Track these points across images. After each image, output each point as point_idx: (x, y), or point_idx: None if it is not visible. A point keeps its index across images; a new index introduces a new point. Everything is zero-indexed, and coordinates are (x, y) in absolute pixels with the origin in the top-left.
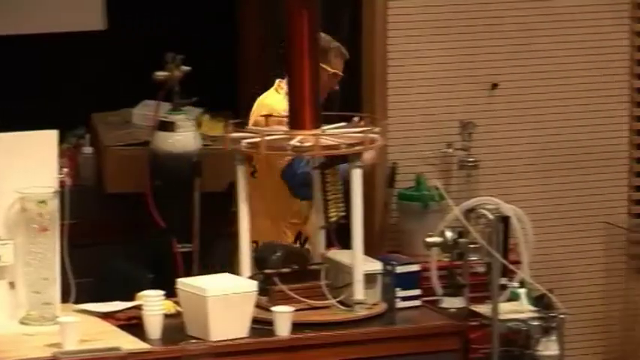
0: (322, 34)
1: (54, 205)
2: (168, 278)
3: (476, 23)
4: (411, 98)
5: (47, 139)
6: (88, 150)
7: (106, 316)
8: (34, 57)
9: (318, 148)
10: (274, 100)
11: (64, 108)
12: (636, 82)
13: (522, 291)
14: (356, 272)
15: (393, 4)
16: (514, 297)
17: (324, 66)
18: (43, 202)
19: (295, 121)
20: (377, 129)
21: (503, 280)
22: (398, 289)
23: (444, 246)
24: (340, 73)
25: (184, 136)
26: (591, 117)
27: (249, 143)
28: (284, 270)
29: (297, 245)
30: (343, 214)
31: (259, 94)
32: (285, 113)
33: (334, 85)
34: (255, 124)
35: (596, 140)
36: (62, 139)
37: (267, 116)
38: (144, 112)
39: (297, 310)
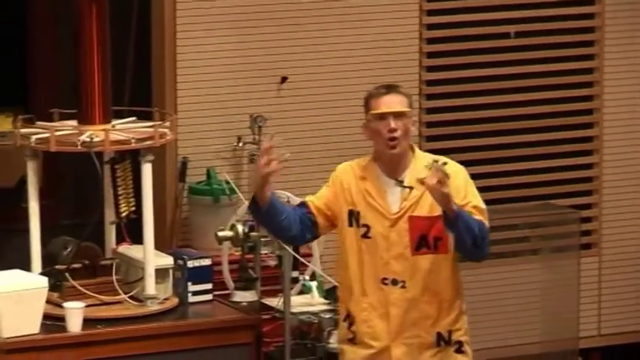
0: None
1: None
2: None
3: (265, 17)
4: (202, 92)
5: None
6: None
7: None
8: None
9: (108, 143)
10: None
11: None
12: (425, 75)
13: (314, 284)
14: (147, 267)
15: None
16: (306, 290)
17: None
18: None
19: (85, 116)
20: (167, 123)
21: (295, 273)
22: (189, 283)
23: (236, 240)
24: None
25: None
26: None
27: (38, 139)
28: (75, 265)
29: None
30: (134, 208)
31: None
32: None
33: None
34: None
35: None
36: None
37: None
38: None
39: (88, 306)
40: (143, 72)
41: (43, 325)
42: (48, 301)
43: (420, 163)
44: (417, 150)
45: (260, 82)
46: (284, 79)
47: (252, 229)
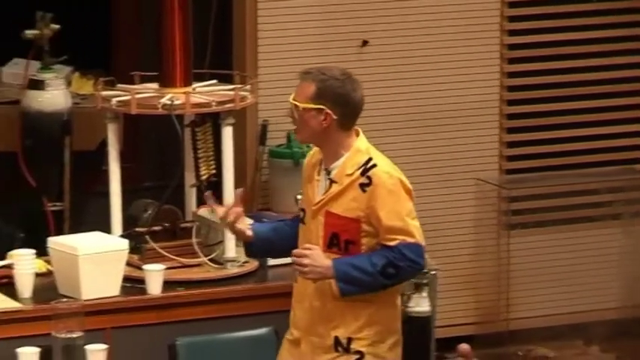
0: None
1: None
2: (39, 237)
3: None
4: (282, 55)
5: None
6: None
7: None
8: None
9: (188, 106)
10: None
11: None
12: (506, 39)
13: None
14: (227, 230)
15: None
16: None
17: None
18: None
19: (166, 79)
20: (248, 86)
21: None
22: None
23: None
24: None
25: (54, 95)
26: (462, 73)
27: (119, 101)
28: (155, 228)
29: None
30: (214, 171)
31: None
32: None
33: None
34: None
35: (467, 97)
36: None
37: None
38: (14, 70)
39: (168, 269)
40: (224, 35)
41: (122, 287)
42: (128, 264)
43: (355, 158)
44: (358, 142)
45: (341, 45)
46: (365, 43)
47: None
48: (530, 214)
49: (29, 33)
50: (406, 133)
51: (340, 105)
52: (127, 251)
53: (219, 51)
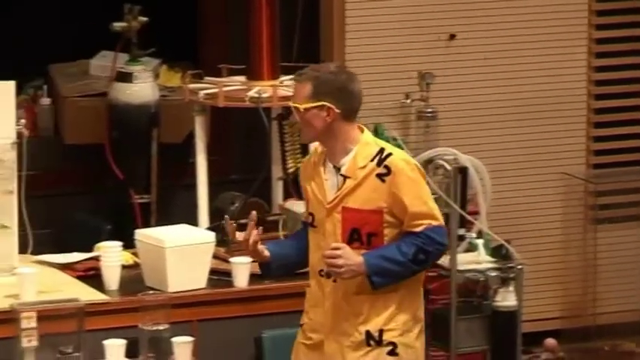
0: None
1: (12, 156)
2: (126, 229)
3: None
4: (370, 49)
5: (4, 90)
6: (46, 101)
7: (64, 267)
8: None
9: (276, 99)
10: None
11: (22, 59)
12: (594, 33)
13: (480, 242)
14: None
15: None
16: (472, 248)
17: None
18: (0, 153)
19: (253, 72)
20: None
21: (462, 231)
22: None
23: None
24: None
25: (142, 87)
26: (549, 67)
27: (206, 94)
28: (242, 221)
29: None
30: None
31: None
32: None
33: None
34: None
35: (555, 91)
36: (20, 91)
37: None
38: (102, 63)
39: (255, 261)
40: (311, 28)
41: (209, 279)
42: (215, 256)
43: (365, 150)
44: (365, 135)
45: (429, 38)
46: (452, 37)
47: None
48: (617, 208)
49: (117, 25)
50: (493, 127)
51: (340, 97)
52: (214, 244)
53: (307, 44)
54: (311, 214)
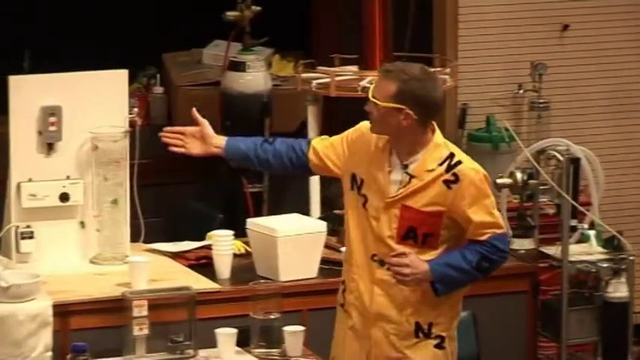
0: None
1: (124, 144)
2: (238, 218)
3: None
4: (482, 39)
5: (117, 79)
6: (158, 90)
7: (175, 255)
8: None
9: None
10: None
11: (135, 48)
12: None
13: (592, 233)
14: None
15: None
16: (584, 239)
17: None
18: (113, 141)
19: (366, 61)
20: (447, 70)
21: (574, 222)
22: None
23: (514, 187)
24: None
25: (255, 77)
26: None
27: (319, 84)
28: None
29: None
30: None
31: None
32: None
33: None
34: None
35: None
36: (133, 79)
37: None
38: (215, 52)
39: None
40: (424, 18)
41: (320, 269)
42: (326, 246)
43: (435, 153)
44: (436, 137)
45: (541, 29)
46: (565, 27)
47: (531, 176)
48: None
49: (230, 15)
50: (606, 118)
51: (420, 106)
52: (325, 233)
53: (419, 34)
54: (364, 195)
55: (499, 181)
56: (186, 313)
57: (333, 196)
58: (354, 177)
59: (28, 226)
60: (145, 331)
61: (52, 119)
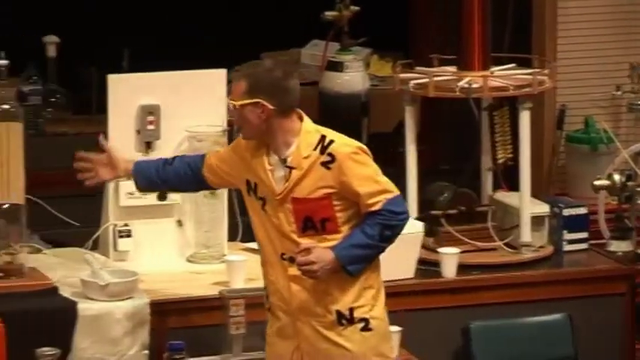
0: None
1: (223, 143)
2: None
3: None
4: (582, 40)
5: (215, 79)
6: None
7: None
8: None
9: (486, 90)
10: None
11: (234, 48)
12: None
13: None
14: (523, 214)
15: None
16: None
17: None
18: (212, 140)
19: (464, 62)
20: (546, 71)
21: None
22: (565, 231)
23: (612, 189)
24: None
25: (353, 77)
26: None
27: (417, 84)
28: (451, 211)
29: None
30: (511, 155)
31: None
32: None
33: None
34: None
35: None
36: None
37: None
38: (313, 52)
39: (463, 252)
40: (523, 19)
41: (417, 269)
42: (423, 246)
43: (307, 139)
44: (305, 124)
45: None
46: None
47: (629, 178)
48: None
49: (329, 14)
50: None
51: (274, 94)
52: (423, 234)
53: (518, 34)
54: (262, 198)
55: (597, 182)
56: None
57: (430, 197)
58: (248, 182)
59: (125, 225)
60: (242, 330)
61: (151, 118)
